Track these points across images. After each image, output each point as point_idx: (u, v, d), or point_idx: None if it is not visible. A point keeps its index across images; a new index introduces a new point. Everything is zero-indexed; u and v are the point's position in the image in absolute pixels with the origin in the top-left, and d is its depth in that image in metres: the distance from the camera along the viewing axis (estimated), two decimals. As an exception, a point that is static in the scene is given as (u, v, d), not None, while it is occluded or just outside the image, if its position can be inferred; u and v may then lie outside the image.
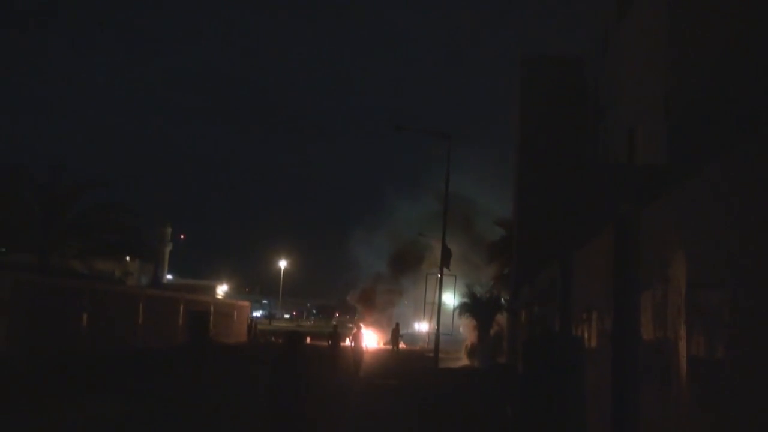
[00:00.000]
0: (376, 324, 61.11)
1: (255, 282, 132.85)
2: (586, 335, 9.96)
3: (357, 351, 26.47)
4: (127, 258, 46.96)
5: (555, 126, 23.36)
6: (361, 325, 32.09)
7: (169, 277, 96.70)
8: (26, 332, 20.12)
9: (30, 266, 26.39)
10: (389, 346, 39.35)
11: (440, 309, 31.26)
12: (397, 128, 34.54)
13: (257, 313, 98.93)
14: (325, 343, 37.21)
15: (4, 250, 31.02)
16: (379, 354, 37.08)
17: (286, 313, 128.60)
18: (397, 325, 41.61)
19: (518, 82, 25.83)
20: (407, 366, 31.64)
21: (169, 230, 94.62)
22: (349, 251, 77.62)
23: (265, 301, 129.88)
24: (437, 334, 30.76)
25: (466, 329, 42.80)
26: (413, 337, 61.61)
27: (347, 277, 78.87)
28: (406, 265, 64.03)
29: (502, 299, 35.18)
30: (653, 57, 14.43)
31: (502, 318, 34.56)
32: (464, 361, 36.87)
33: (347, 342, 30.70)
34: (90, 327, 24.08)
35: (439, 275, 31.45)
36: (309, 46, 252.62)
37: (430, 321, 39.48)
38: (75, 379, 17.41)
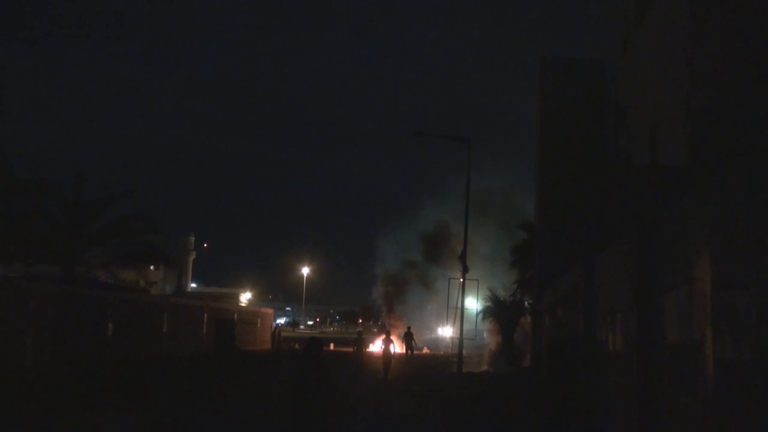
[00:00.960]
0: (406, 318, 60.43)
1: (278, 289, 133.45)
2: (610, 338, 9.90)
3: (386, 357, 26.68)
4: (151, 267, 47.38)
5: (575, 127, 23.23)
6: (390, 330, 32.10)
7: (193, 285, 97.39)
8: (53, 342, 20.37)
9: (56, 277, 26.73)
10: (410, 352, 39.10)
11: (463, 314, 31.19)
12: (418, 134, 34.56)
13: (281, 320, 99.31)
14: (350, 349, 37.29)
15: (31, 261, 31.41)
16: (401, 359, 37.01)
17: (310, 320, 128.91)
18: (409, 328, 41.12)
19: (537, 84, 25.74)
20: (431, 371, 31.62)
21: (193, 239, 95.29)
22: (375, 252, 76.12)
23: (288, 308, 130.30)
24: (460, 339, 30.68)
25: (489, 334, 42.51)
26: (436, 342, 61.36)
27: (371, 276, 76.95)
28: (436, 251, 62.52)
29: (526, 302, 35.01)
30: (673, 57, 14.32)
31: (525, 321, 34.40)
32: (487, 365, 36.72)
33: (374, 347, 30.70)
34: (115, 336, 24.33)
35: (461, 279, 31.34)
36: (329, 56, 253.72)
37: (453, 325, 39.29)
38: (100, 387, 17.57)
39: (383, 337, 29.10)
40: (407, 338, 39.21)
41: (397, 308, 66.53)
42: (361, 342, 31.35)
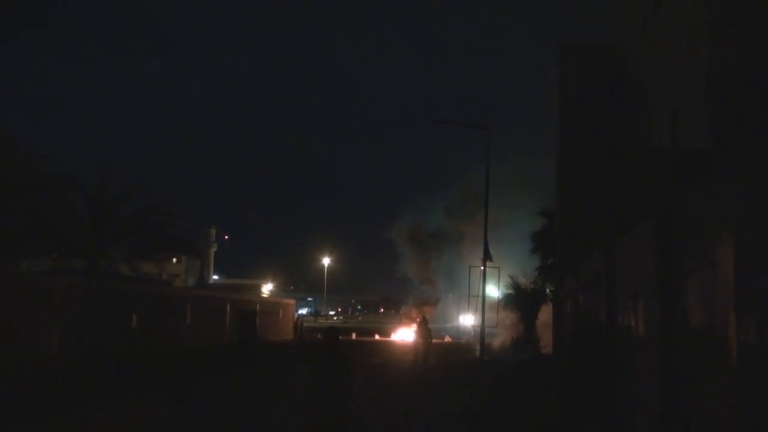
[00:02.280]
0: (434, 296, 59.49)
1: (300, 280, 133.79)
2: (633, 323, 9.86)
3: (423, 342, 27.12)
4: (174, 260, 47.78)
5: (594, 113, 23.06)
6: (424, 317, 32.27)
7: (215, 277, 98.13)
8: (78, 334, 20.63)
9: (80, 271, 27.05)
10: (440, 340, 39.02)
11: (485, 303, 31.11)
12: (436, 122, 34.53)
13: (303, 311, 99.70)
14: (373, 339, 37.37)
15: (56, 256, 31.82)
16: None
17: (332, 310, 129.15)
18: (424, 318, 40.53)
19: (556, 69, 25.55)
20: (454, 358, 31.82)
21: (214, 231, 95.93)
22: (396, 237, 74.88)
23: (310, 299, 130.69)
24: (482, 328, 30.70)
25: (503, 325, 42.10)
26: (458, 331, 61.32)
27: (392, 252, 75.13)
28: (468, 210, 60.92)
29: (547, 289, 34.91)
30: (693, 39, 14.16)
31: (546, 308, 34.29)
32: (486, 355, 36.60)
33: (395, 335, 30.62)
34: (139, 328, 24.58)
35: (482, 267, 31.25)
36: (341, 47, 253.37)
37: (474, 314, 39.18)
38: (125, 379, 17.78)
39: (417, 321, 29.18)
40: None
41: (429, 273, 65.03)
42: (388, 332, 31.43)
